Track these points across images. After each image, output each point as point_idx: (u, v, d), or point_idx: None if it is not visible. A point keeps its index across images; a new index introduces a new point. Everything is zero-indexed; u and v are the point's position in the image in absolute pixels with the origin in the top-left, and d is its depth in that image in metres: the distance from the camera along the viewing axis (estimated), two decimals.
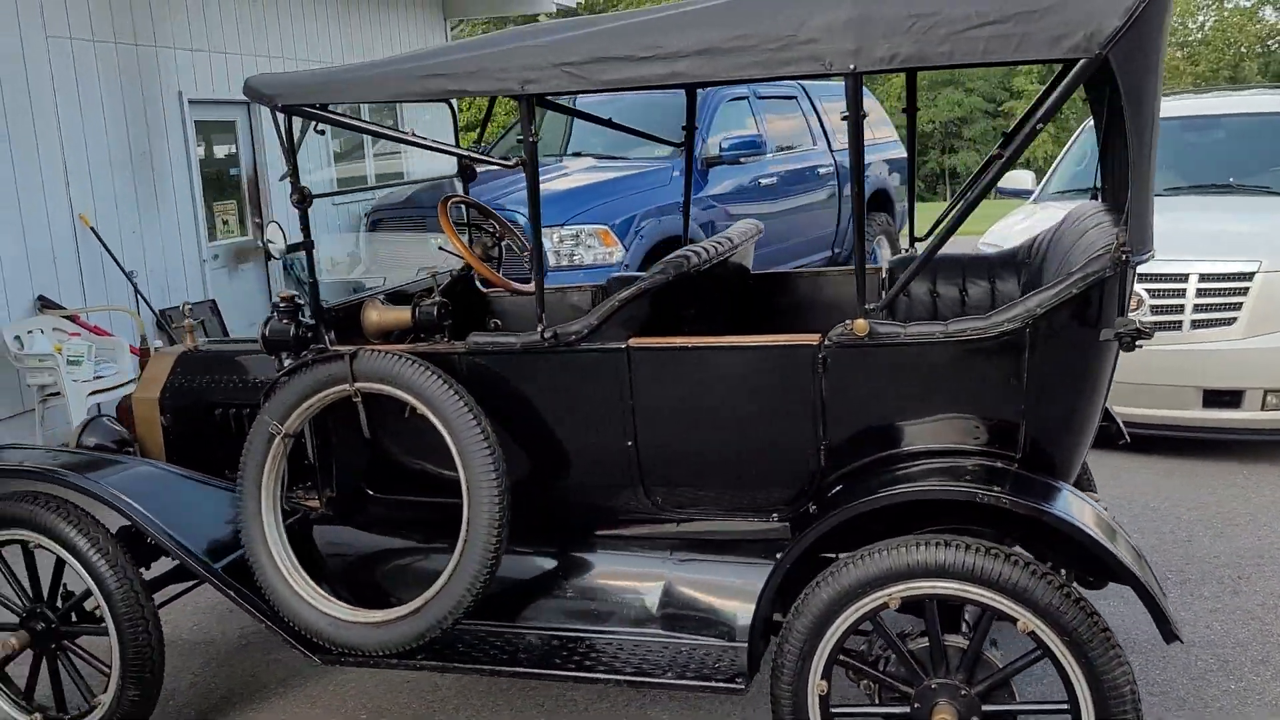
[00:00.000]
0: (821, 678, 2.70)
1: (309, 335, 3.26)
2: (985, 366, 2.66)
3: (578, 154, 8.16)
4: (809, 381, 2.79)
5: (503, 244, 4.11)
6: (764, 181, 8.57)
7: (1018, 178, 8.22)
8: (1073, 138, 7.88)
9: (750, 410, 2.88)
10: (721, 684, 2.81)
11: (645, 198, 7.31)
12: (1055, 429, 2.69)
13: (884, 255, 10.01)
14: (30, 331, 7.00)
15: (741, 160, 8.09)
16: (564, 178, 7.53)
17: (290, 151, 3.15)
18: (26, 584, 3.48)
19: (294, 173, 3.14)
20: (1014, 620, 2.54)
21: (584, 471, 3.10)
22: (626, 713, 3.56)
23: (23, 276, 7.27)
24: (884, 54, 2.53)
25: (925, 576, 2.57)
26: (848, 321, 2.71)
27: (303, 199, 3.16)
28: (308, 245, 3.25)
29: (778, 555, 3.03)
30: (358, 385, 3.11)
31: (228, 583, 3.25)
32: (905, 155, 13.01)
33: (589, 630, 3.09)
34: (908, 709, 2.68)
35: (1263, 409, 5.39)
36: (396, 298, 3.71)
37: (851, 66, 2.54)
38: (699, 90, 4.38)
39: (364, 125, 3.38)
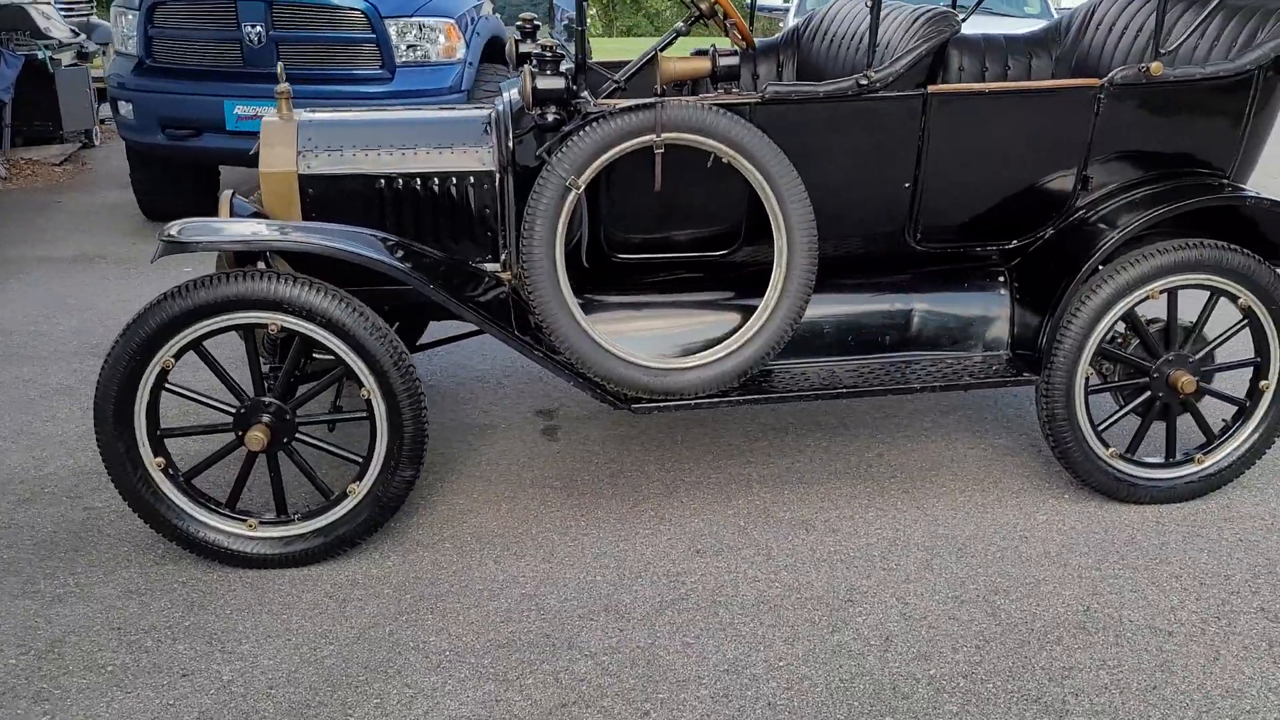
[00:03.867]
0: (1089, 364, 3.37)
1: (575, 89, 3.14)
2: (1224, 102, 3.35)
3: None
4: (1085, 119, 3.32)
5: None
6: None
7: None
8: None
9: (1028, 148, 3.35)
10: (1017, 378, 3.38)
11: None
12: (1254, 154, 3.49)
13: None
14: None
15: None
16: None
17: None
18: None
19: None
20: (1235, 298, 3.37)
21: (853, 213, 3.38)
22: (876, 425, 3.98)
23: None
24: None
25: (1183, 271, 3.30)
26: (1142, 64, 3.27)
27: None
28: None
29: (1000, 279, 3.61)
30: (665, 136, 3.10)
31: (526, 342, 3.14)
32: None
33: (867, 357, 3.45)
34: (1147, 379, 3.46)
35: None
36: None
37: None
38: None
39: None
